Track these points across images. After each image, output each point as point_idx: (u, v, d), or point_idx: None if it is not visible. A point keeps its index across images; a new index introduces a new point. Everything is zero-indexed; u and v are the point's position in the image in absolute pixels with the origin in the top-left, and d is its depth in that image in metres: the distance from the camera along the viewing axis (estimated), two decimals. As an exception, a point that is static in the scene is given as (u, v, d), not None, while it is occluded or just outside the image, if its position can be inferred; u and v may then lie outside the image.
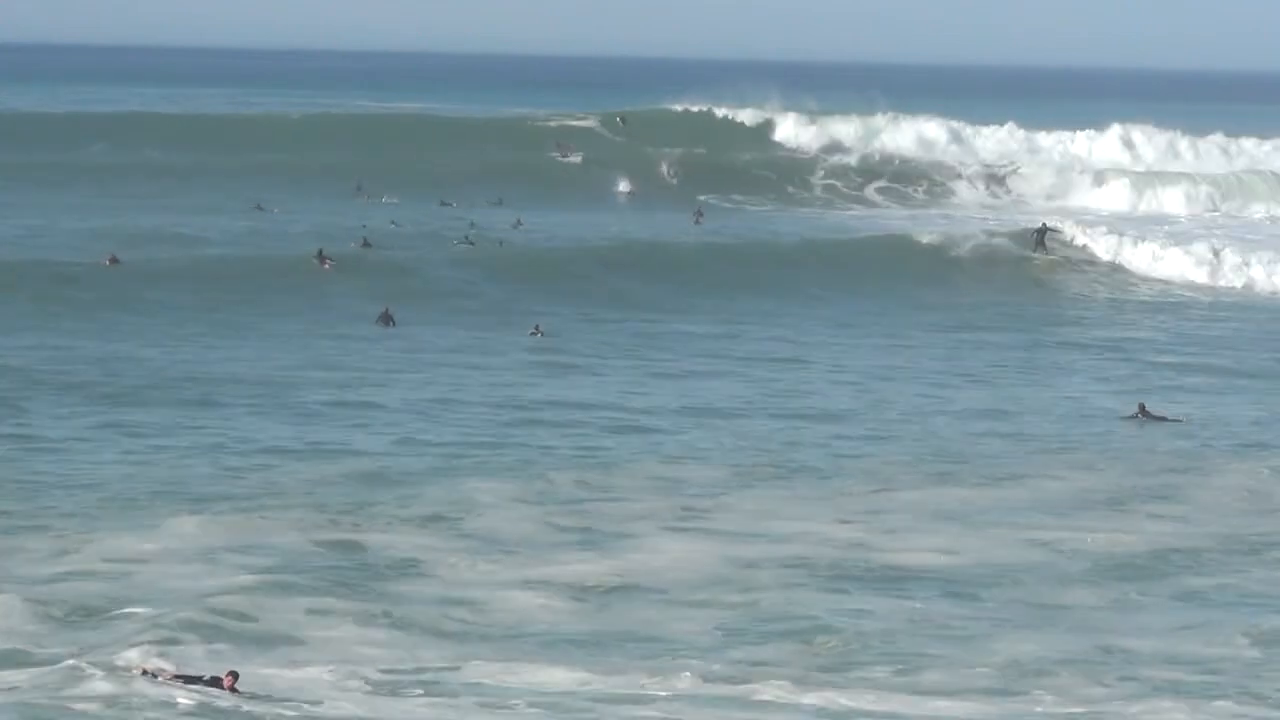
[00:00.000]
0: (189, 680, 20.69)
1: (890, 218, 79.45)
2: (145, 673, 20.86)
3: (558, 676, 21.50)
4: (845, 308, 54.33)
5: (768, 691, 21.17)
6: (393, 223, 67.52)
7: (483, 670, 21.68)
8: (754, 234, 69.48)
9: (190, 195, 75.08)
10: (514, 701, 20.69)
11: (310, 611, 23.63)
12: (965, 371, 44.70)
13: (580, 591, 25.29)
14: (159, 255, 55.33)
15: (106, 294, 49.11)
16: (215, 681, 20.62)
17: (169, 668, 21.01)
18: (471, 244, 63.38)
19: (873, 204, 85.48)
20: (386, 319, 49.26)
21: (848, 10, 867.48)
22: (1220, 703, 21.25)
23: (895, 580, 26.29)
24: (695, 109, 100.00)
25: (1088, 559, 27.79)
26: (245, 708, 19.98)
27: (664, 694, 21.09)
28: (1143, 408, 39.78)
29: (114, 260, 53.91)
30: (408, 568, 26.17)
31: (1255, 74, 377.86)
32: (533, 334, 49.12)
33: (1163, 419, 39.45)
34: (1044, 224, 67.33)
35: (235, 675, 20.69)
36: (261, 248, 59.05)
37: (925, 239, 64.68)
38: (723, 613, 24.61)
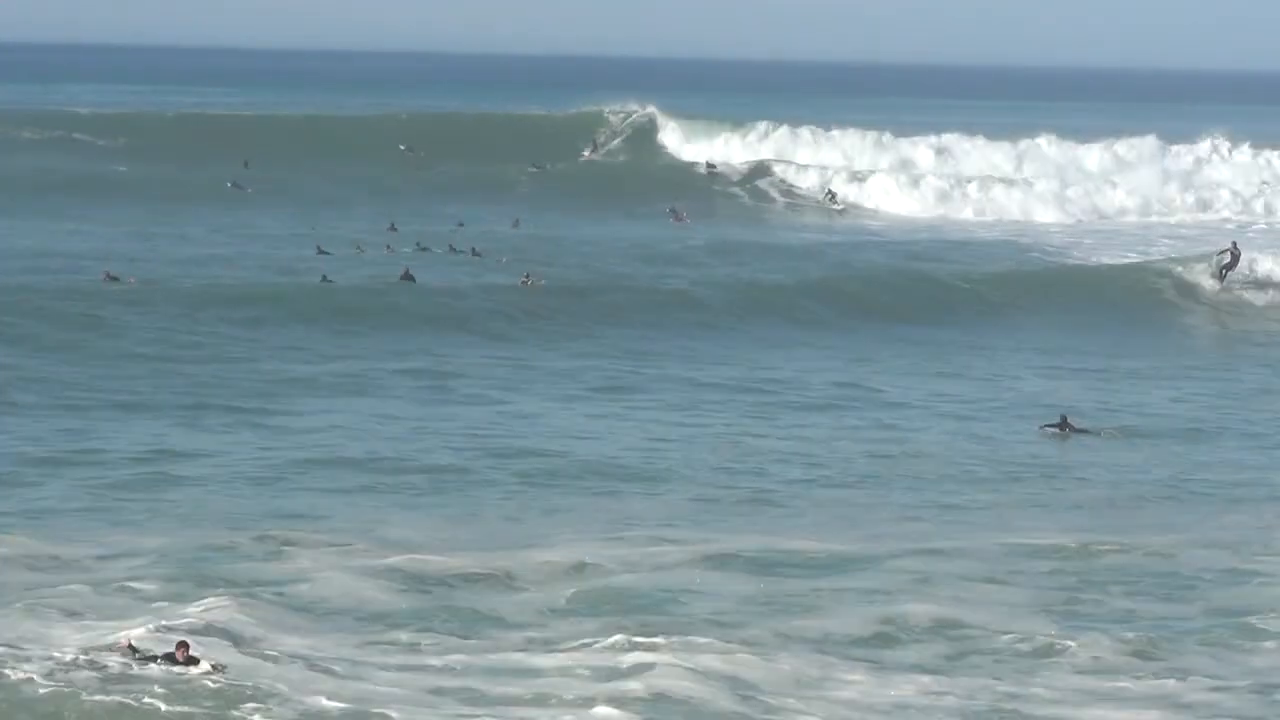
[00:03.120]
0: (148, 659, 21.76)
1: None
2: (130, 648, 21.94)
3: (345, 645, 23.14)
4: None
5: (544, 658, 22.72)
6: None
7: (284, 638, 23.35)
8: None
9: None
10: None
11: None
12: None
13: (432, 580, 26.26)
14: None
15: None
16: (169, 657, 21.69)
17: (141, 649, 21.97)
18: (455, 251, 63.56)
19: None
20: (407, 277, 52.36)
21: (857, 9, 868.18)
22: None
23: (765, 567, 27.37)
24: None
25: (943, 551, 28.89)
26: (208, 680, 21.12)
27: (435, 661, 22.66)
28: (1064, 420, 39.73)
29: (110, 277, 53.95)
30: (279, 554, 27.33)
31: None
32: (523, 282, 52.20)
33: (1084, 431, 39.42)
34: (1234, 244, 62.72)
35: (185, 645, 21.82)
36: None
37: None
38: (562, 593, 25.69)
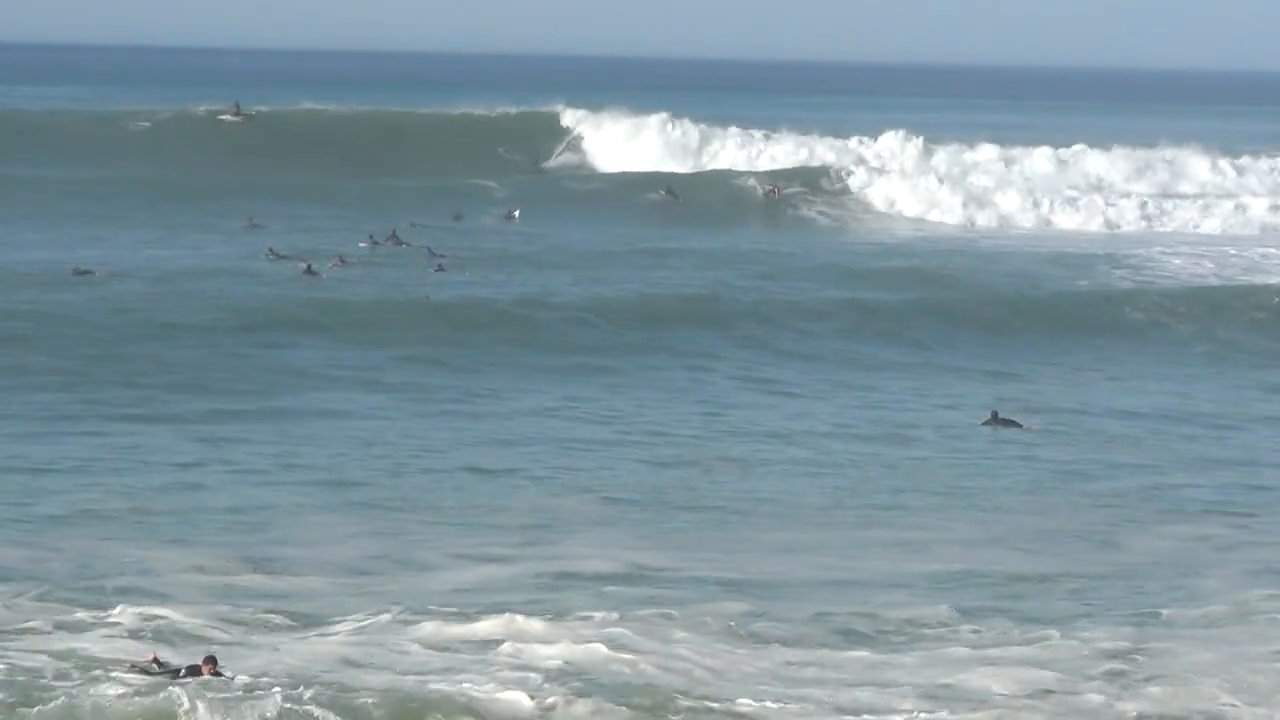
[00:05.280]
0: (169, 672, 21.93)
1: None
2: (133, 667, 22.15)
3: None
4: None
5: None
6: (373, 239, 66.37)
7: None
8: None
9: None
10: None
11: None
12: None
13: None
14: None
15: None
16: (194, 670, 21.83)
17: (153, 664, 22.23)
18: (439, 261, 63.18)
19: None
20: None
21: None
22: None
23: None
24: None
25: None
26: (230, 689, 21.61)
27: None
28: (995, 415, 41.11)
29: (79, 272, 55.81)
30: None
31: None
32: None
33: (1014, 425, 40.77)
34: None
35: (213, 660, 22.00)
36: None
37: None
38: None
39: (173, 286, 54.48)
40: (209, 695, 21.01)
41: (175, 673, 21.76)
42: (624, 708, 21.44)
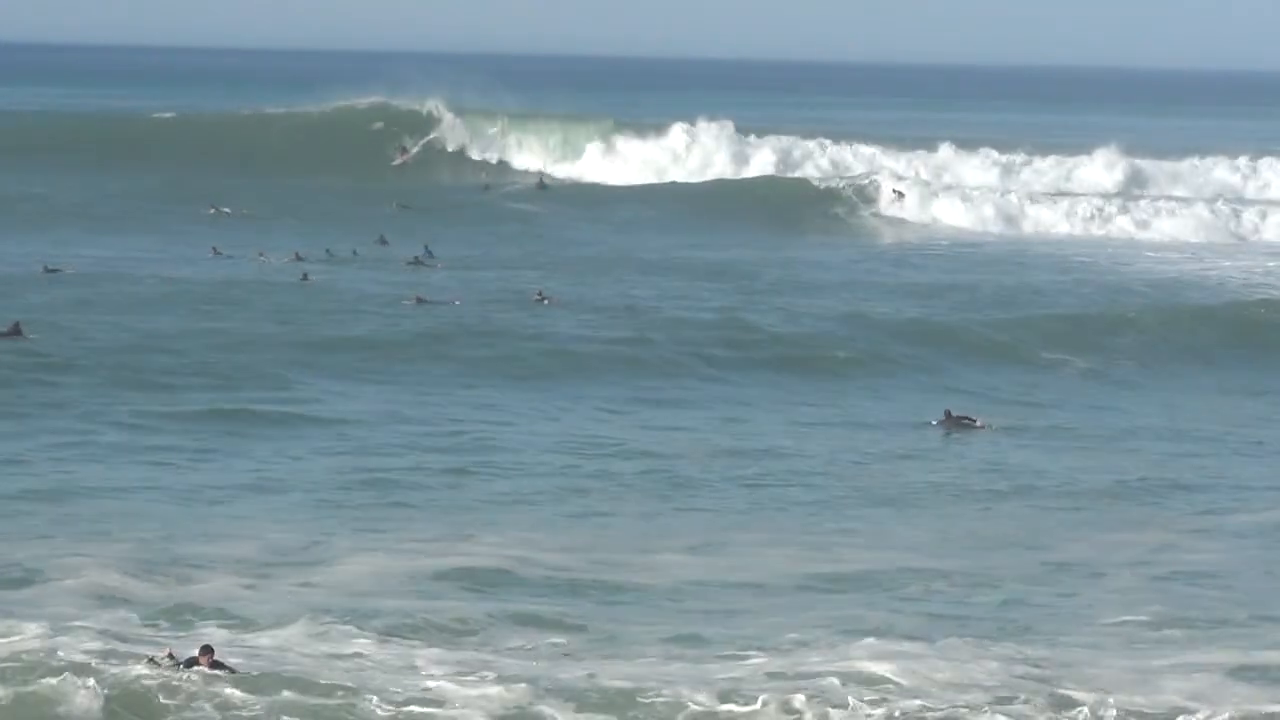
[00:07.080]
0: (183, 663, 22.59)
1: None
2: (169, 657, 22.72)
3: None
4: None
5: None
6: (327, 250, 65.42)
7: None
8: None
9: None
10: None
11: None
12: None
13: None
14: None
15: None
16: (193, 662, 22.53)
17: (175, 655, 22.84)
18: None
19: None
20: (419, 301, 53.51)
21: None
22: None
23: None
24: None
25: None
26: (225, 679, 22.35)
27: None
28: (949, 414, 41.76)
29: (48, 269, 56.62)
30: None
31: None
32: (537, 299, 53.13)
33: (970, 424, 41.44)
34: None
35: (210, 650, 22.63)
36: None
37: None
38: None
39: (153, 286, 55.13)
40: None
41: (190, 663, 22.38)
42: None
